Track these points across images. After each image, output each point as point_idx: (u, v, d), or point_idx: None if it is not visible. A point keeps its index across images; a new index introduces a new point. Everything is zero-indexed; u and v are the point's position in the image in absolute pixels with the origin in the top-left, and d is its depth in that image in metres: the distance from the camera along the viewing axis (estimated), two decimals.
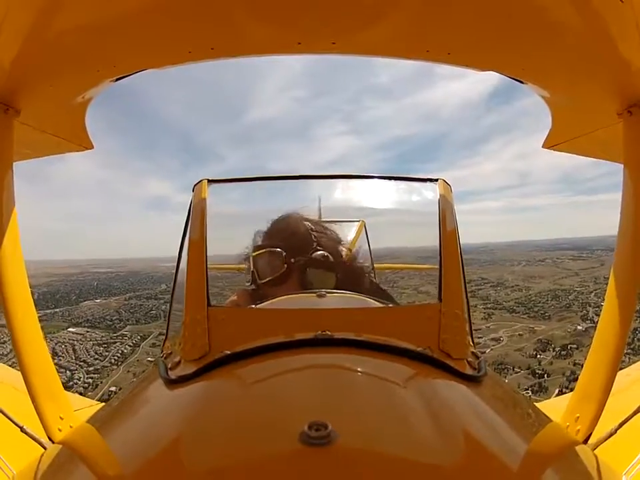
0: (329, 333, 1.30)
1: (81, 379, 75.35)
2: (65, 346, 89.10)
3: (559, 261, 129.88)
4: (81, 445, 1.18)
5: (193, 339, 1.40)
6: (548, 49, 1.46)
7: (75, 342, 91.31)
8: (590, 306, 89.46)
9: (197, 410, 1.05)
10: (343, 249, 2.24)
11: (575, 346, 73.42)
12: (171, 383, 1.24)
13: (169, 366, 1.36)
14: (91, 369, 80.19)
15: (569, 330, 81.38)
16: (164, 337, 1.95)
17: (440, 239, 1.64)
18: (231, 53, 1.56)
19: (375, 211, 2.73)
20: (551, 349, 75.29)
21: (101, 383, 73.45)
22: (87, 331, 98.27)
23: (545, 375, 66.53)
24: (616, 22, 1.28)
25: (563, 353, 72.88)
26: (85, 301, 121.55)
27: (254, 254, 2.08)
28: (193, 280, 1.54)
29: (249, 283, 2.09)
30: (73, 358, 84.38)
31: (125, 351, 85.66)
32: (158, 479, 0.82)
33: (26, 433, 1.63)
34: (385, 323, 1.46)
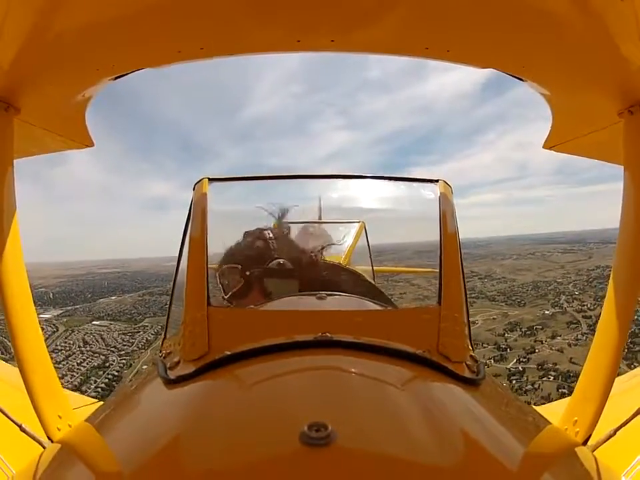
0: (329, 335, 1.29)
1: (115, 361, 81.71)
2: (94, 336, 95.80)
3: (548, 254, 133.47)
4: (80, 444, 1.19)
5: (193, 338, 1.40)
6: (548, 47, 1.46)
7: (102, 332, 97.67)
8: (564, 294, 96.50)
9: (196, 410, 1.05)
10: (313, 250, 2.23)
11: (540, 327, 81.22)
12: (170, 383, 1.24)
13: (168, 366, 1.36)
14: (122, 352, 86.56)
15: (537, 314, 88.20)
16: (162, 337, 1.94)
17: (440, 241, 1.63)
18: (231, 51, 1.56)
19: (375, 212, 2.72)
20: (518, 329, 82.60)
21: (134, 362, 79.62)
22: (111, 323, 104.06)
23: (507, 349, 73.88)
24: (616, 21, 1.27)
25: (527, 332, 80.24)
26: (100, 298, 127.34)
27: (217, 272, 2.09)
28: (193, 279, 1.53)
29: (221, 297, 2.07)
30: (104, 345, 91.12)
31: (149, 338, 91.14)
32: (157, 479, 0.82)
33: (25, 432, 1.65)
34: (385, 325, 1.45)
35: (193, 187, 1.87)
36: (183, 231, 1.92)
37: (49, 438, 1.62)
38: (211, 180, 1.86)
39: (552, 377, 64.44)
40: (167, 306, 1.99)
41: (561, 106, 1.84)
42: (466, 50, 1.56)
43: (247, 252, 2.14)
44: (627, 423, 1.66)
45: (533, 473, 0.90)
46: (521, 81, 1.65)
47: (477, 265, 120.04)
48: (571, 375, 63.39)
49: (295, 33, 1.50)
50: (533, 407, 1.76)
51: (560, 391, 58.59)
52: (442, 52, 1.53)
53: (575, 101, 1.81)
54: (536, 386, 61.94)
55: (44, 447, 1.58)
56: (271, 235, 2.17)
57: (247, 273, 2.03)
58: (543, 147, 2.12)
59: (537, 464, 0.96)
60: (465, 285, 1.70)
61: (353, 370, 1.16)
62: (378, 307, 1.75)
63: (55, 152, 2.22)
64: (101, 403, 2.07)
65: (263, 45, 1.56)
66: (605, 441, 1.63)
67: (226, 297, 2.03)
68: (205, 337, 1.39)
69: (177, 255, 1.95)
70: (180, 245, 1.95)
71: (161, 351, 1.74)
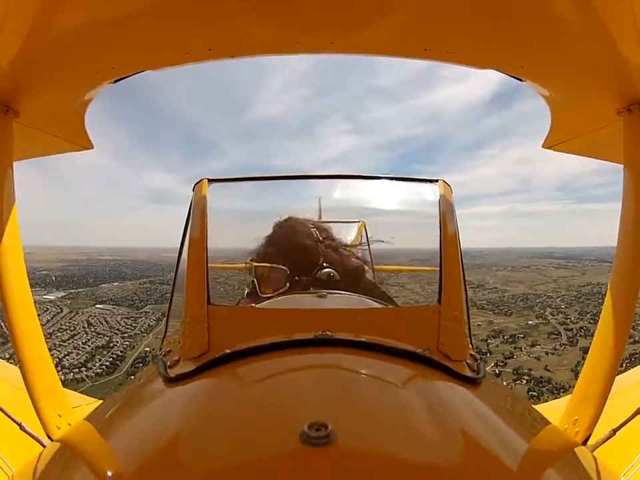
0: (329, 333, 1.29)
1: (119, 342, 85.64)
2: (98, 318, 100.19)
3: (543, 269, 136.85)
4: (80, 443, 1.18)
5: (193, 337, 1.40)
6: (548, 47, 1.45)
7: (106, 315, 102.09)
8: (550, 307, 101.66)
9: (196, 408, 1.05)
10: (354, 258, 2.19)
11: (522, 335, 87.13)
12: (170, 381, 1.23)
13: (168, 364, 1.36)
14: (125, 335, 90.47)
15: (521, 324, 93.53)
16: (163, 335, 1.93)
17: (440, 241, 1.63)
18: (229, 53, 1.55)
19: (374, 212, 2.72)
20: (501, 337, 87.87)
21: (137, 344, 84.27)
22: (114, 308, 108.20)
23: (488, 354, 78.49)
24: (615, 20, 1.27)
25: (509, 340, 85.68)
26: (102, 283, 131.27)
27: (256, 264, 2.04)
28: (193, 278, 1.54)
29: (248, 289, 2.05)
30: (108, 327, 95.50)
31: (151, 323, 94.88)
32: (156, 478, 0.82)
33: (24, 431, 1.64)
34: (385, 323, 1.45)
35: (192, 187, 1.86)
36: (182, 230, 1.92)
37: (48, 437, 1.62)
38: (210, 181, 1.85)
39: (524, 381, 68.82)
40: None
41: (560, 105, 1.82)
42: (466, 51, 1.55)
43: (294, 253, 2.05)
44: (626, 422, 1.65)
45: (532, 473, 0.90)
46: (520, 81, 1.64)
47: (471, 274, 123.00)
48: (543, 380, 67.72)
49: (294, 34, 1.49)
50: (533, 406, 1.68)
51: (530, 393, 62.90)
52: (442, 53, 1.53)
53: (574, 100, 1.79)
54: (509, 387, 65.66)
55: (43, 446, 1.57)
56: (320, 236, 2.11)
57: (296, 279, 1.96)
58: (542, 147, 2.10)
59: (537, 464, 0.96)
60: (465, 284, 1.70)
61: (353, 368, 1.16)
62: (378, 305, 1.76)
63: (54, 154, 2.20)
64: (101, 401, 2.06)
65: (262, 46, 1.56)
66: (604, 441, 1.62)
67: (264, 296, 1.94)
68: (204, 335, 1.39)
69: (177, 254, 1.94)
70: (180, 244, 1.94)
71: (161, 349, 1.75)
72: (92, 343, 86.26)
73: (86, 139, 2.03)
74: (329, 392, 1.01)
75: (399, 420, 0.93)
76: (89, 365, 76.50)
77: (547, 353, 78.82)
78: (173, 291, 1.98)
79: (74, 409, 1.75)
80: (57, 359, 78.25)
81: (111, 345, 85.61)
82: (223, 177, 1.96)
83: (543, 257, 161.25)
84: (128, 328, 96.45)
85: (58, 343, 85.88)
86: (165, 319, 2.00)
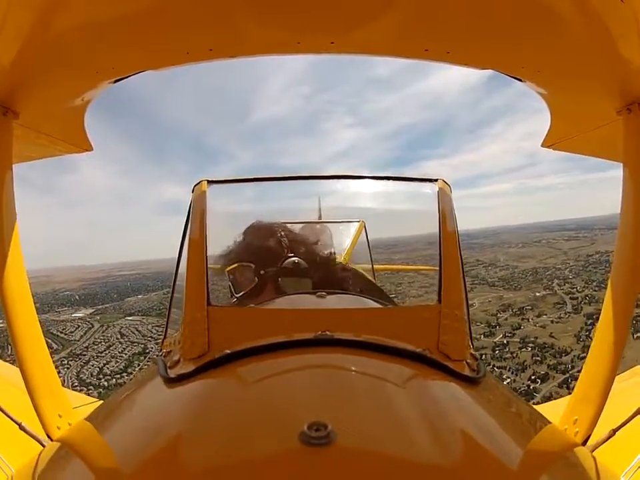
0: (329, 333, 1.29)
1: (154, 348, 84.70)
2: (130, 329, 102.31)
3: (554, 242, 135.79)
4: (80, 443, 1.18)
5: (193, 337, 1.40)
6: (547, 47, 1.46)
7: (137, 326, 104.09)
8: (557, 278, 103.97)
9: (196, 408, 1.05)
10: (324, 250, 2.21)
11: (529, 307, 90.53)
12: (170, 382, 1.23)
13: (168, 364, 1.36)
14: (159, 341, 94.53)
15: (529, 296, 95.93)
16: (163, 336, 1.97)
17: (440, 240, 1.63)
18: (229, 53, 1.55)
19: (374, 211, 2.73)
20: (510, 310, 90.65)
21: None
22: (143, 318, 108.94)
23: (497, 326, 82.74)
24: (615, 20, 1.27)
25: (517, 312, 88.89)
26: (127, 297, 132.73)
27: (227, 269, 2.08)
28: (193, 279, 1.54)
29: (229, 296, 2.07)
30: (140, 336, 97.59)
31: None
32: (156, 478, 0.81)
33: (24, 431, 1.64)
34: (385, 323, 1.45)
35: (192, 188, 1.87)
36: (182, 232, 1.93)
37: (48, 436, 1.62)
38: (210, 182, 1.85)
39: (529, 348, 73.16)
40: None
41: (560, 105, 1.83)
42: (465, 51, 1.56)
43: (259, 250, 2.11)
44: (626, 423, 1.65)
45: (531, 473, 0.90)
46: (520, 81, 1.65)
47: (484, 253, 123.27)
48: (546, 346, 72.04)
49: (295, 34, 1.49)
50: (533, 406, 1.71)
51: (534, 358, 67.50)
52: (441, 54, 1.54)
53: (573, 100, 1.80)
54: (514, 355, 70.62)
55: (43, 446, 1.57)
56: (282, 232, 2.15)
57: (262, 272, 2.00)
58: (541, 146, 2.11)
59: (536, 464, 0.96)
60: (464, 283, 1.70)
61: (353, 368, 1.16)
62: (378, 305, 1.76)
63: (54, 157, 2.19)
64: (101, 401, 2.04)
65: (263, 46, 1.56)
66: (604, 441, 1.62)
67: (237, 296, 2.00)
68: (204, 335, 1.39)
69: (177, 255, 1.96)
70: (179, 246, 1.96)
71: (161, 350, 1.77)
72: (128, 351, 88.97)
73: (86, 140, 2.04)
74: (329, 392, 1.01)
75: (398, 420, 0.93)
76: (129, 370, 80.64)
77: (552, 322, 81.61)
78: (173, 291, 2.00)
79: (74, 409, 1.76)
80: (98, 369, 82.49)
81: (147, 350, 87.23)
82: (222, 179, 1.96)
83: (554, 230, 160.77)
84: (160, 335, 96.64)
85: (95, 354, 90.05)
86: (166, 319, 2.05)
